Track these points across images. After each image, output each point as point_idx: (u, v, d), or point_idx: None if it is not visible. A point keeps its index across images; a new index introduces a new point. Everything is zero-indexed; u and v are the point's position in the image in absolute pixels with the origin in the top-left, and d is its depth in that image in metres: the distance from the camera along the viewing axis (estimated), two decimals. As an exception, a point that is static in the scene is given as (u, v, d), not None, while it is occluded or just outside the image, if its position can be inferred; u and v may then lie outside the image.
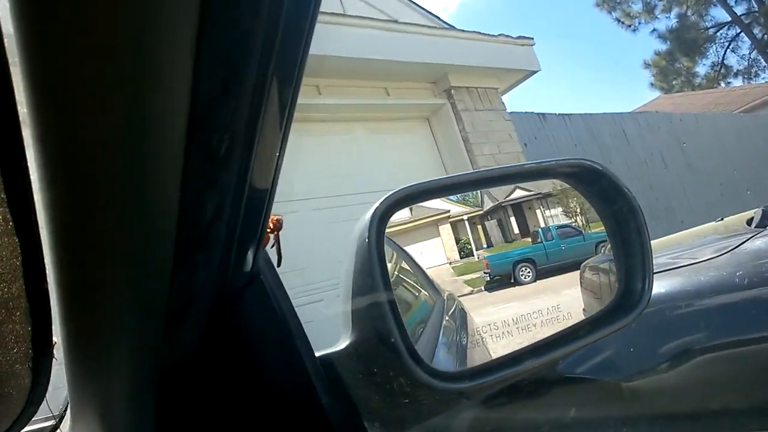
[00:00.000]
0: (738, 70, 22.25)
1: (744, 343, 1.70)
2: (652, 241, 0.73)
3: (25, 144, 0.40)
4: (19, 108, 0.38)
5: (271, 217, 0.63)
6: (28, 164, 0.42)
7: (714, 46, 22.10)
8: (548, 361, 0.69)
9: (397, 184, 0.71)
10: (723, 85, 22.03)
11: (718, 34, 21.98)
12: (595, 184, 0.77)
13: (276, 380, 0.64)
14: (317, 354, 0.68)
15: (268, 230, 0.62)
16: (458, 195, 1.40)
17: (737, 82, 21.89)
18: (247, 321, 0.63)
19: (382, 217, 0.67)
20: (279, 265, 0.69)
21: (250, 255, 0.59)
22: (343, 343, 0.67)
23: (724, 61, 22.22)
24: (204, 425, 0.70)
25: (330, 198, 5.15)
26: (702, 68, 22.50)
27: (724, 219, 2.53)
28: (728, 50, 22.02)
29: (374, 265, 0.63)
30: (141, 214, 0.43)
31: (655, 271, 1.95)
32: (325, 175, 5.27)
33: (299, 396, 0.65)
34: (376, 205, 0.67)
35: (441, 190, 0.78)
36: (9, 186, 0.43)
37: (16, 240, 0.48)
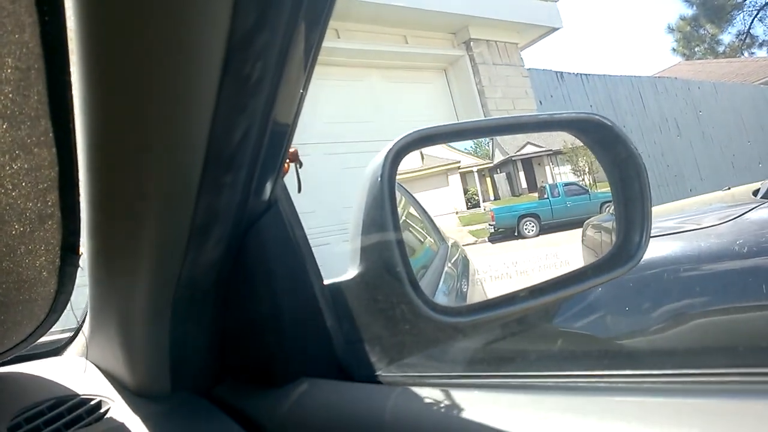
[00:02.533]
0: (763, 41, 21.76)
1: (738, 311, 1.73)
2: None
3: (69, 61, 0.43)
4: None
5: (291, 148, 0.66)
6: (71, 80, 0.45)
7: (741, 14, 21.58)
8: (542, 304, 0.73)
9: (411, 134, 0.74)
10: (746, 55, 21.61)
11: (747, 1, 21.45)
12: (603, 138, 0.79)
13: (286, 302, 0.69)
14: (326, 282, 0.73)
15: (288, 160, 0.65)
16: (469, 146, 1.42)
17: (761, 53, 21.48)
18: (263, 244, 0.67)
19: (395, 157, 0.70)
20: (299, 190, 0.73)
21: (269, 182, 0.62)
22: (351, 274, 0.71)
23: (750, 30, 21.74)
24: (216, 341, 0.75)
25: (342, 144, 5.15)
26: (727, 36, 22.04)
27: (731, 188, 2.54)
28: (755, 19, 21.52)
29: (385, 202, 0.67)
30: (174, 132, 0.46)
31: (657, 234, 1.98)
32: (339, 120, 5.26)
33: (307, 318, 0.70)
34: (390, 145, 0.70)
35: (455, 134, 0.81)
36: (52, 99, 0.45)
37: (54, 151, 0.51)
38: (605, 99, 8.24)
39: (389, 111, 5.70)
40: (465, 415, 0.48)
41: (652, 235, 1.94)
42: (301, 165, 0.68)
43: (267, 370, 0.71)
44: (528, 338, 1.89)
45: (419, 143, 0.76)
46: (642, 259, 0.77)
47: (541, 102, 7.00)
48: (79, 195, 0.56)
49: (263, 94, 0.46)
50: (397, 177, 1.48)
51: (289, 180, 0.72)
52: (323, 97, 5.16)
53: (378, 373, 0.70)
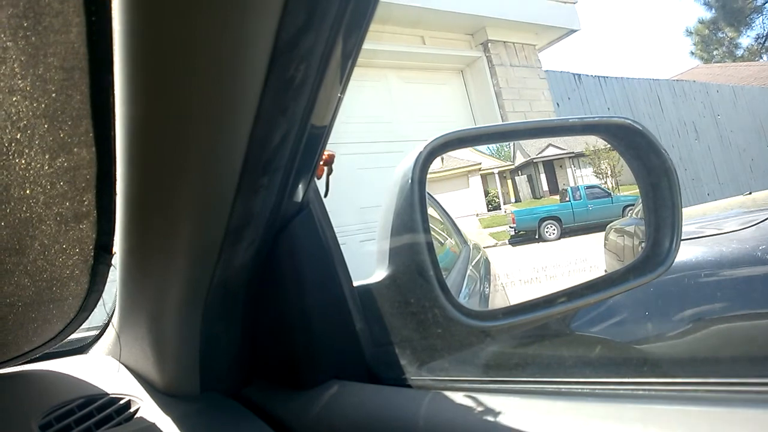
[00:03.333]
0: (783, 45, 21.58)
1: (760, 317, 1.72)
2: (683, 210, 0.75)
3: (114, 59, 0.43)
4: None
5: (325, 152, 0.66)
6: (115, 80, 0.45)
7: (760, 18, 21.40)
8: (573, 309, 0.73)
9: (428, 135, 0.74)
10: (765, 58, 21.43)
11: (766, 5, 21.27)
12: (634, 143, 0.79)
13: (316, 303, 0.69)
14: (355, 284, 0.73)
15: (322, 162, 0.65)
16: (491, 148, 1.42)
17: (781, 57, 21.28)
18: (294, 246, 0.67)
19: (426, 159, 0.70)
20: (326, 195, 0.73)
21: (303, 184, 0.63)
22: (379, 276, 0.71)
23: (770, 34, 21.54)
24: (246, 342, 0.75)
25: (359, 144, 5.16)
26: (745, 40, 21.87)
27: (753, 193, 2.52)
28: (775, 22, 21.34)
29: (416, 205, 0.67)
30: (215, 132, 0.46)
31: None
32: (356, 120, 5.27)
33: (336, 320, 0.70)
34: (421, 147, 0.70)
35: (485, 137, 0.81)
36: (94, 99, 0.46)
37: (94, 151, 0.51)
38: (623, 101, 8.19)
39: (406, 111, 5.70)
40: (499, 420, 0.48)
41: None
42: (331, 171, 0.68)
43: (296, 372, 0.72)
44: (554, 343, 1.88)
45: (450, 146, 0.76)
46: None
47: (558, 104, 6.97)
48: (115, 195, 0.56)
49: (304, 97, 0.47)
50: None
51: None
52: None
53: (407, 376, 0.70)
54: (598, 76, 8.04)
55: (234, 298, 0.70)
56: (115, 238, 0.64)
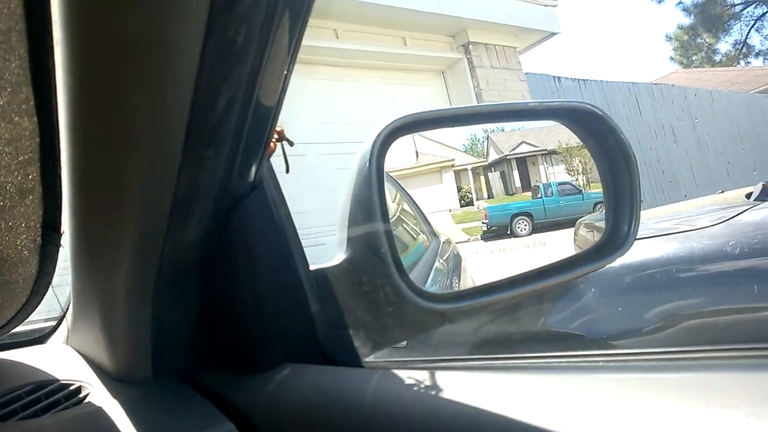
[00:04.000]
0: (760, 51, 21.86)
1: (729, 312, 1.73)
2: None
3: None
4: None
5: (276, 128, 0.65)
6: (54, 46, 0.44)
7: (738, 24, 21.70)
8: (530, 292, 0.72)
9: (408, 136, 0.73)
10: (743, 64, 21.71)
11: (744, 12, 21.58)
12: (593, 128, 0.78)
13: (270, 286, 0.67)
14: (312, 267, 0.72)
15: (274, 139, 0.64)
16: (464, 144, 1.42)
17: (758, 63, 21.57)
18: (246, 226, 0.65)
19: (383, 142, 0.69)
20: (288, 171, 0.71)
21: (255, 161, 0.61)
22: (338, 260, 0.70)
23: (747, 40, 21.84)
24: (199, 325, 0.74)
25: (339, 144, 5.14)
26: (723, 45, 22.15)
27: (724, 192, 2.54)
28: (752, 29, 21.62)
29: (373, 186, 0.66)
30: (154, 102, 0.45)
31: (650, 235, 1.97)
32: (335, 120, 5.26)
33: (290, 302, 0.69)
34: (378, 130, 0.69)
35: (444, 120, 0.80)
36: (33, 65, 0.44)
37: (36, 120, 0.50)
38: (602, 104, 8.25)
39: (387, 112, 5.69)
40: (445, 394, 0.47)
41: (648, 235, 1.95)
42: (292, 144, 0.67)
43: (249, 356, 0.70)
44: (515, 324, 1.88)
45: (408, 128, 0.76)
46: (630, 250, 0.76)
47: (538, 106, 6.99)
48: (60, 168, 0.55)
49: (247, 63, 0.45)
50: (393, 173, 1.48)
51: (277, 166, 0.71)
52: (319, 96, 5.16)
53: (361, 357, 0.69)
54: (578, 79, 8.09)
55: (185, 280, 0.68)
56: (62, 216, 0.62)
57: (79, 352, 0.89)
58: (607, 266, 0.77)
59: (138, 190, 0.53)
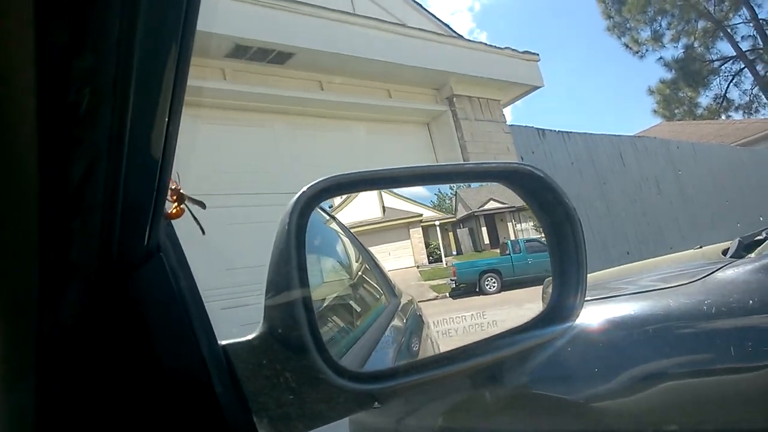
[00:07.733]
0: (739, 105, 22.27)
1: (707, 374, 1.69)
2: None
3: None
4: None
5: (173, 188, 0.59)
6: None
7: (718, 79, 22.18)
8: (472, 367, 0.67)
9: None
10: (724, 117, 22.11)
11: (723, 67, 22.08)
12: (535, 189, 0.74)
13: (169, 367, 0.60)
14: (223, 342, 0.64)
15: (173, 200, 0.58)
16: (432, 200, 1.39)
17: (738, 116, 21.97)
18: (140, 301, 0.59)
19: (305, 205, 0.64)
20: (204, 233, 0.66)
21: (143, 228, 0.56)
22: (254, 334, 0.64)
23: (727, 95, 22.27)
24: (88, 409, 0.66)
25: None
26: (705, 99, 22.58)
27: (703, 247, 2.53)
28: (731, 84, 22.09)
29: (291, 254, 0.61)
30: None
31: (625, 293, 1.94)
32: (320, 171, 5.24)
33: (193, 384, 0.61)
34: (303, 190, 0.65)
35: (376, 181, 0.75)
36: None
37: None
38: (586, 156, 8.32)
39: (371, 163, 5.69)
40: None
41: (627, 292, 1.90)
42: (204, 206, 0.62)
43: None
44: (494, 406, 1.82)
45: (336, 189, 0.71)
46: (577, 321, 0.71)
47: (522, 158, 7.05)
48: None
49: (104, 127, 0.41)
50: (358, 228, 1.44)
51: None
52: (303, 147, 5.15)
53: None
54: (562, 132, 8.17)
55: (72, 359, 0.60)
56: None
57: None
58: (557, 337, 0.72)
59: None
